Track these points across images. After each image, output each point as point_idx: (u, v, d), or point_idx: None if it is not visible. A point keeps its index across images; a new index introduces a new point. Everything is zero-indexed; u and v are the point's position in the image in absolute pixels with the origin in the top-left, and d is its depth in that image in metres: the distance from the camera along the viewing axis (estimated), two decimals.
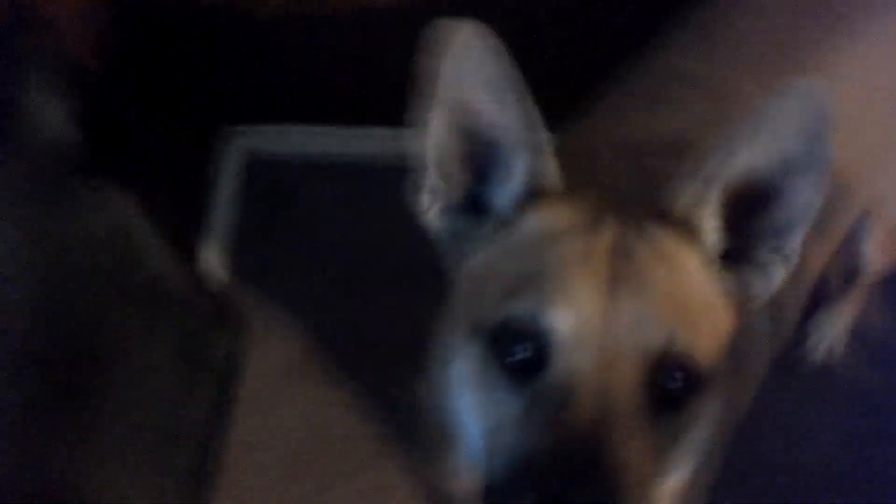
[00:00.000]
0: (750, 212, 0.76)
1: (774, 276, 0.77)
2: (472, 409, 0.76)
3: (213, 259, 1.95)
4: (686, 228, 0.76)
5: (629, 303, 0.70)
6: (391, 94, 1.94)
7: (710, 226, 0.77)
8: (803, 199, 0.72)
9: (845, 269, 1.69)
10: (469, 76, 0.71)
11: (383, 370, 1.74)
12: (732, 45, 1.09)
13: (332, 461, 1.77)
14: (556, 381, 0.70)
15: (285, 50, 1.75)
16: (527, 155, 0.78)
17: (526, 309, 0.71)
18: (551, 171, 0.79)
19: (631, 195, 0.88)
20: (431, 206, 0.82)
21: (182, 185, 1.92)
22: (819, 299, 1.84)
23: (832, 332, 1.83)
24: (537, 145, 0.77)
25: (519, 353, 0.72)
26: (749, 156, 0.72)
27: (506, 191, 0.80)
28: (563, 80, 1.44)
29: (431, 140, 0.76)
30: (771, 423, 1.81)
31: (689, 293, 0.74)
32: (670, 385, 0.70)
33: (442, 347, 0.85)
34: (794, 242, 0.75)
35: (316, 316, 1.93)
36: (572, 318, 0.70)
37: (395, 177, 2.00)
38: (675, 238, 0.75)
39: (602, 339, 0.69)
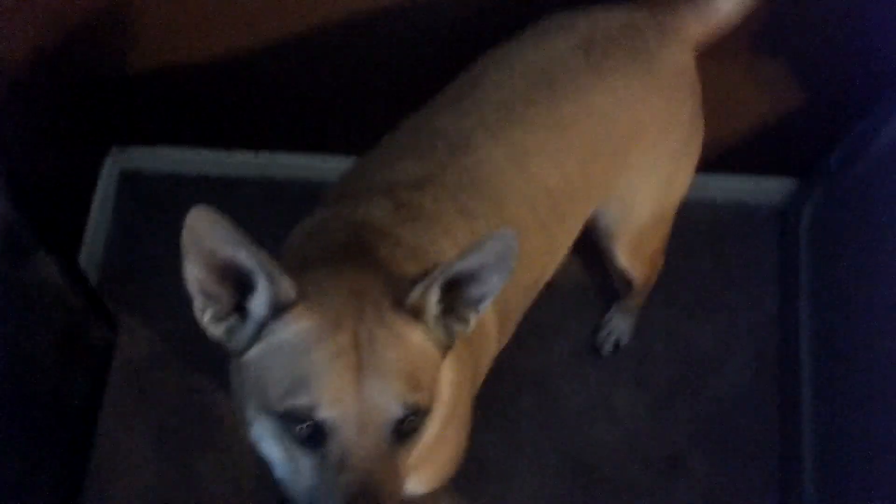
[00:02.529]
0: (458, 288, 1.10)
1: (471, 323, 1.12)
2: (276, 462, 1.07)
3: (92, 253, 2.19)
4: (415, 311, 1.07)
5: (373, 385, 1.00)
6: (260, 119, 2.24)
7: (432, 304, 1.09)
8: (492, 284, 1.08)
9: (620, 276, 2.05)
10: (206, 236, 0.99)
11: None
12: (473, 105, 1.45)
13: (193, 433, 2.04)
14: (333, 448, 1.00)
15: (166, 76, 1.99)
16: (264, 281, 1.04)
17: (303, 405, 0.99)
18: (286, 290, 1.02)
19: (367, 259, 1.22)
20: (204, 318, 1.07)
21: (63, 195, 2.14)
22: (611, 298, 2.21)
23: (620, 325, 2.19)
24: (270, 274, 1.01)
25: (304, 428, 1.00)
26: (466, 265, 1.05)
27: (259, 303, 1.05)
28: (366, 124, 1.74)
29: (190, 277, 1.03)
30: (573, 392, 2.16)
31: (415, 360, 1.05)
32: (407, 427, 1.03)
33: (240, 412, 1.15)
34: (485, 305, 1.11)
35: (177, 313, 2.15)
36: (337, 409, 0.99)
37: (260, 193, 2.27)
38: (406, 320, 1.05)
39: (359, 417, 0.99)
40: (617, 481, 2.06)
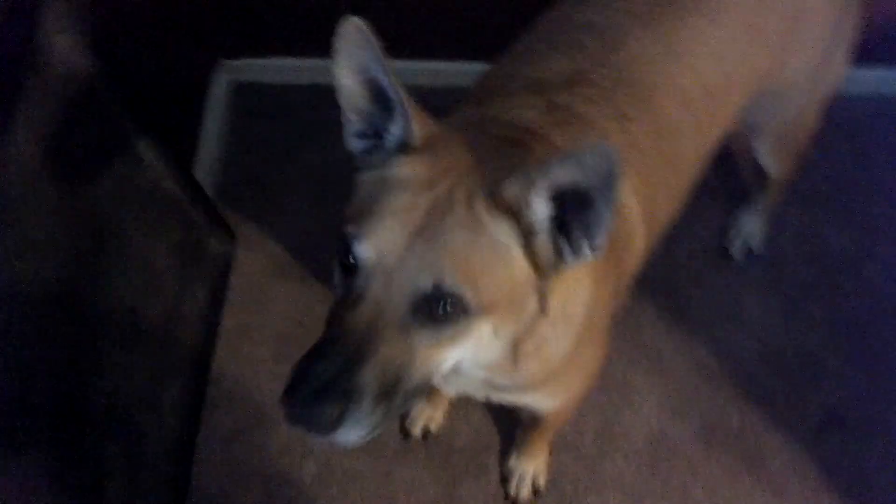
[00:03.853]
0: (572, 209, 0.98)
1: (582, 256, 1.01)
2: (333, 279, 1.04)
3: (207, 166, 2.19)
4: (510, 209, 0.98)
5: (418, 254, 0.94)
6: (372, 24, 2.19)
7: (536, 211, 0.99)
8: (599, 210, 0.96)
9: (755, 174, 1.94)
10: (356, 46, 0.97)
11: None
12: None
13: (310, 341, 2.00)
14: (356, 285, 0.96)
15: None
16: (400, 115, 1.02)
17: (352, 233, 0.98)
18: (414, 132, 1.02)
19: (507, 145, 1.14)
20: (348, 132, 1.07)
21: (179, 107, 2.15)
22: (744, 194, 2.10)
23: (750, 227, 2.08)
24: (406, 110, 1.01)
25: (348, 260, 0.97)
26: (564, 174, 0.94)
27: (391, 136, 1.05)
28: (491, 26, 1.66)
29: (339, 83, 1.02)
30: (700, 297, 2.07)
31: (483, 255, 0.97)
32: (440, 314, 0.95)
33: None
34: (599, 239, 0.98)
35: (296, 224, 2.18)
36: (373, 251, 0.95)
37: None
38: (494, 214, 0.98)
39: (390, 273, 0.94)
40: (749, 386, 1.98)
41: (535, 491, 1.83)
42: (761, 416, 1.95)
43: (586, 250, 0.99)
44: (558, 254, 1.01)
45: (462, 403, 1.92)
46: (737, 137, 1.64)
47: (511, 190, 0.97)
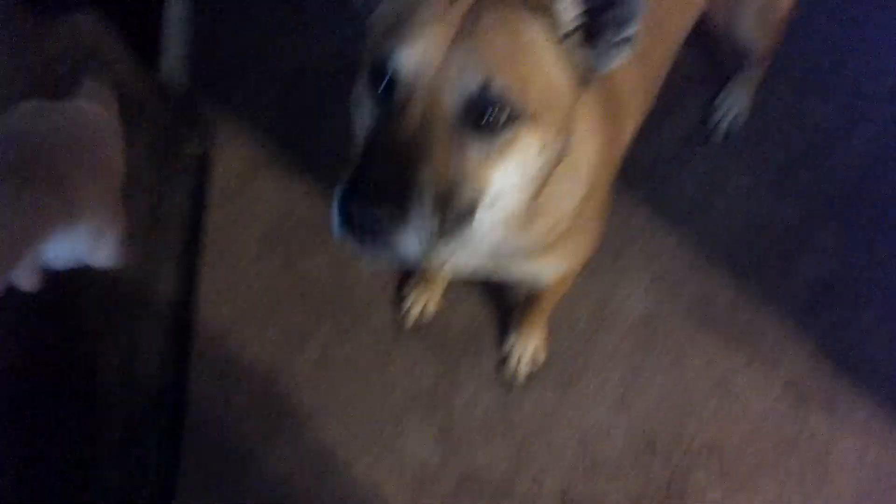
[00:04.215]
0: (602, 7, 0.96)
1: (618, 54, 0.98)
2: (357, 119, 0.99)
3: (173, 66, 2.11)
4: (542, 10, 0.96)
5: (461, 55, 0.91)
6: None
7: (568, 11, 0.97)
8: (631, 4, 0.94)
9: (738, 50, 1.92)
10: None
11: (336, 160, 1.94)
12: None
13: (298, 239, 1.99)
14: (398, 99, 0.91)
15: None
16: None
17: (386, 50, 0.93)
18: None
19: None
20: None
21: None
22: (723, 78, 2.08)
23: (733, 106, 2.07)
24: None
25: (383, 86, 0.93)
26: None
27: None
28: None
29: None
30: (686, 179, 2.06)
31: (524, 53, 0.95)
32: (486, 114, 0.91)
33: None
34: (632, 27, 0.96)
35: (274, 117, 2.12)
36: (414, 61, 0.91)
37: None
38: (528, 15, 0.95)
39: (433, 78, 0.90)
40: (739, 262, 1.98)
41: (534, 367, 1.83)
42: (753, 291, 1.96)
43: (620, 45, 0.97)
44: (587, 62, 0.99)
45: (458, 288, 1.90)
46: (716, 13, 1.62)
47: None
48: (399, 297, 1.89)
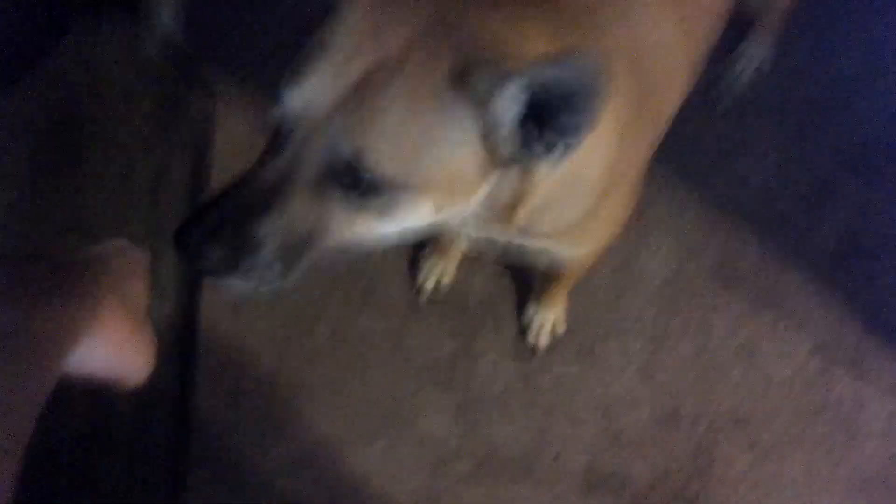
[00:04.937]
0: (550, 111, 0.83)
1: (557, 155, 0.86)
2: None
3: (167, 23, 2.00)
4: (473, 96, 0.83)
5: (343, 115, 0.82)
6: None
7: (505, 106, 0.84)
8: (579, 121, 0.83)
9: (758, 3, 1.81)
10: None
11: None
12: None
13: None
14: (277, 133, 0.86)
15: None
16: None
17: (290, 76, 0.85)
18: None
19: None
20: None
21: None
22: (744, 28, 1.97)
23: (756, 57, 1.96)
24: None
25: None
26: (548, 76, 0.80)
27: None
28: None
29: None
30: (706, 136, 1.97)
31: (423, 137, 0.84)
32: (357, 180, 0.84)
33: None
34: (573, 142, 0.85)
35: (281, 72, 2.02)
36: (298, 103, 0.84)
37: None
38: (453, 97, 0.83)
39: (310, 129, 0.83)
40: (764, 221, 1.91)
41: (554, 338, 1.77)
42: (778, 250, 1.89)
43: (559, 153, 0.87)
44: (524, 148, 0.88)
45: (473, 259, 1.83)
46: None
47: (481, 80, 0.83)
48: (412, 270, 1.82)
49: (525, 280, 1.81)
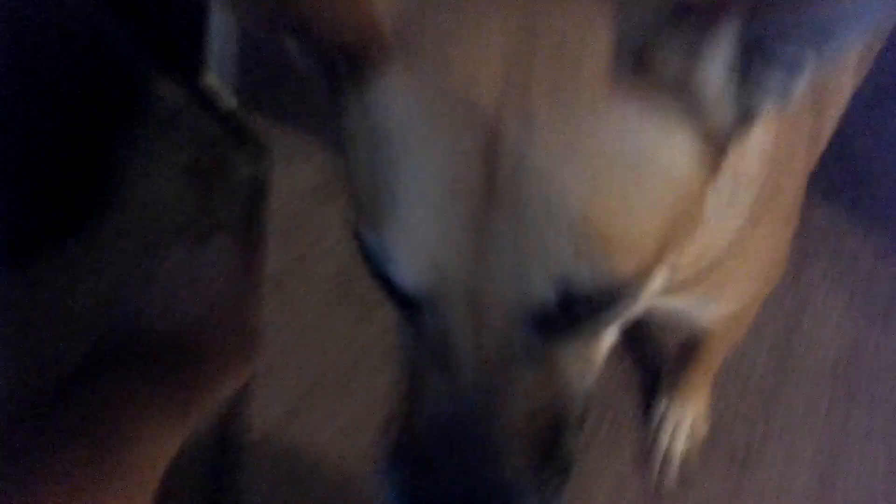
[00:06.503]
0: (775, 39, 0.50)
1: (796, 85, 0.52)
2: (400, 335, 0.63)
3: (217, 81, 1.78)
4: (666, 94, 0.51)
5: (500, 245, 0.51)
6: None
7: (715, 74, 0.51)
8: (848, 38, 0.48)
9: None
10: None
11: None
12: None
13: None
14: (429, 335, 0.57)
15: None
16: None
17: (372, 247, 0.55)
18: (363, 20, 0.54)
19: None
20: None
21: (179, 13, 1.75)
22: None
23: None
24: None
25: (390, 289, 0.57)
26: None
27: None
28: None
29: None
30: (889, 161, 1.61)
31: (622, 190, 0.51)
32: (581, 311, 0.55)
33: None
34: (843, 47, 0.48)
35: (334, 134, 1.74)
36: (423, 278, 0.53)
37: None
38: (625, 101, 0.50)
39: (471, 296, 0.53)
40: None
41: (694, 443, 1.37)
42: None
43: (803, 78, 0.51)
44: (739, 112, 0.54)
45: None
46: None
47: (671, 54, 0.50)
48: None
49: (653, 368, 1.42)
